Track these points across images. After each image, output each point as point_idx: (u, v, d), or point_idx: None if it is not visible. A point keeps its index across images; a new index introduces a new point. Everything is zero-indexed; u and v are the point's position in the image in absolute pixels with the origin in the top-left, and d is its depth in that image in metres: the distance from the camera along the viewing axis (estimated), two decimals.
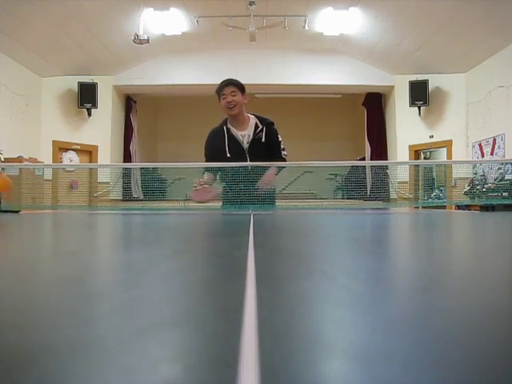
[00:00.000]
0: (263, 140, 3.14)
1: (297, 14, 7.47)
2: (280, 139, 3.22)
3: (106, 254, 1.07)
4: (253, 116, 3.21)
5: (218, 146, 3.18)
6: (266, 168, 3.21)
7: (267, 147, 3.16)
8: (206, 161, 3.27)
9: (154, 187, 5.14)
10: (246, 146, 3.17)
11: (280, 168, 3.29)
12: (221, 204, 3.40)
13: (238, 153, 3.15)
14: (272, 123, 3.22)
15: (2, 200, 3.83)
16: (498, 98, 7.69)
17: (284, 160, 3.26)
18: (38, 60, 8.01)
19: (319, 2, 7.16)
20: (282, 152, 3.23)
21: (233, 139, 3.17)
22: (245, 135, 3.16)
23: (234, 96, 3.08)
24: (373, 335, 0.35)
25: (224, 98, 3.10)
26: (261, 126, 3.15)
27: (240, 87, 3.13)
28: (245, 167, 3.20)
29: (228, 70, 9.23)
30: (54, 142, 8.87)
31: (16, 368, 0.28)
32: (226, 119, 3.22)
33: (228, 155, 3.16)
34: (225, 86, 3.11)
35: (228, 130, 3.16)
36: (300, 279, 0.61)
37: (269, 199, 3.29)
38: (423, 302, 0.48)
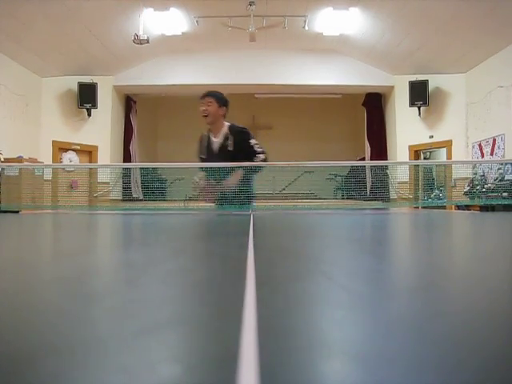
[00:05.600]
0: (230, 148, 3.38)
1: (297, 14, 7.46)
2: (252, 143, 3.38)
3: (106, 254, 1.07)
4: (227, 125, 3.44)
5: (201, 147, 3.57)
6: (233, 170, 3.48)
7: (237, 153, 3.35)
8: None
9: (154, 187, 5.15)
10: (216, 151, 3.46)
11: (258, 168, 3.47)
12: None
13: (210, 156, 3.48)
14: (241, 131, 3.43)
15: None
16: (497, 98, 7.68)
17: (264, 160, 3.39)
18: (38, 60, 8.00)
19: (319, 2, 7.15)
20: (260, 154, 3.36)
21: (210, 144, 3.50)
22: (216, 142, 3.46)
23: (208, 106, 3.38)
24: (372, 336, 0.36)
25: (200, 106, 3.41)
26: (229, 136, 3.39)
27: (219, 99, 3.41)
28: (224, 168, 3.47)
29: (228, 70, 9.23)
30: (53, 142, 8.86)
31: (15, 368, 0.28)
32: None
33: (203, 156, 3.54)
34: (204, 96, 3.43)
35: (209, 135, 3.52)
36: (300, 279, 0.61)
37: (240, 199, 3.48)
38: (422, 303, 0.48)
